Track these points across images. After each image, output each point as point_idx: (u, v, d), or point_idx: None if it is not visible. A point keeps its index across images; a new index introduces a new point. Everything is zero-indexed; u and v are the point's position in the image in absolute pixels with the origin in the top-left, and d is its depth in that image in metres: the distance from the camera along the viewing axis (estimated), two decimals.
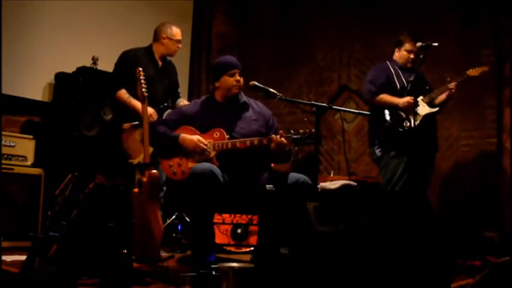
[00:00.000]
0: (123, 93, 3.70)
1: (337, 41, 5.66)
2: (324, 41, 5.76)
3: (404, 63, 4.02)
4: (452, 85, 3.83)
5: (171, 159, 3.04)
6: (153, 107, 3.68)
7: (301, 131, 2.81)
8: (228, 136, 2.96)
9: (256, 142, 2.88)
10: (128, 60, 3.77)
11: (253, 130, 3.05)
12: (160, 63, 3.93)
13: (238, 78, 3.04)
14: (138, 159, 3.64)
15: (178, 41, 3.93)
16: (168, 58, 4.02)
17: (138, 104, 3.60)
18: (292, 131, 4.88)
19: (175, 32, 3.91)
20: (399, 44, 4.06)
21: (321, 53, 5.80)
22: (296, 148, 2.86)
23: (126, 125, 3.68)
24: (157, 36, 3.91)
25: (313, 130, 2.77)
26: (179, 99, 4.02)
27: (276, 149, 2.86)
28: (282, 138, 2.83)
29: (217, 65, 3.12)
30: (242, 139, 2.91)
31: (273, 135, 2.86)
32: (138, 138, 3.69)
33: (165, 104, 3.82)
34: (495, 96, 4.63)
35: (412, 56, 3.98)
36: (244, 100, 3.16)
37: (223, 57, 3.20)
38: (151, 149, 3.52)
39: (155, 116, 3.66)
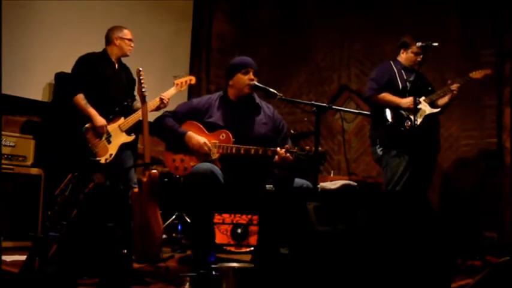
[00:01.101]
0: (81, 99, 3.78)
1: (337, 41, 5.67)
2: (324, 41, 5.77)
3: (411, 65, 4.02)
4: (454, 87, 3.84)
5: (175, 154, 3.05)
6: (113, 105, 3.82)
7: (307, 148, 2.80)
8: (233, 139, 2.96)
9: (260, 152, 2.88)
10: (86, 64, 3.88)
11: (261, 134, 3.05)
12: (117, 65, 4.02)
13: (252, 77, 3.04)
14: (104, 157, 3.73)
15: (130, 40, 4.03)
16: (123, 61, 4.10)
17: (93, 112, 3.75)
18: (292, 131, 4.89)
19: (126, 32, 4.03)
20: (405, 46, 4.05)
21: (321, 53, 5.81)
22: (297, 150, 2.84)
23: (89, 125, 3.73)
24: (109, 39, 4.01)
25: (319, 148, 2.75)
26: (135, 101, 4.07)
27: (279, 162, 2.86)
28: (287, 154, 2.83)
29: (232, 64, 3.13)
30: (247, 146, 2.90)
31: (278, 149, 2.85)
32: (104, 136, 3.77)
33: (125, 103, 3.92)
34: (495, 96, 4.64)
35: (418, 59, 3.97)
36: (257, 102, 3.16)
37: (238, 57, 3.21)
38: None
39: (105, 129, 3.77)
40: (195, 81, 4.07)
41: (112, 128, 3.80)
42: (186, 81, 3.97)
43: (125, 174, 3.81)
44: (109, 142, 3.78)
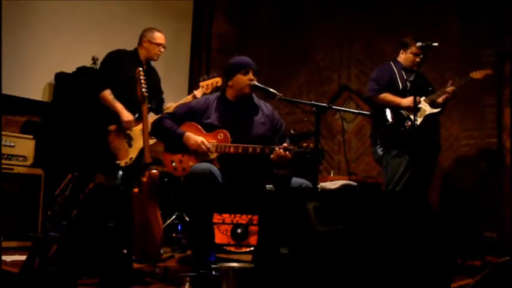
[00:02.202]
0: (108, 94, 3.76)
1: (337, 41, 5.67)
2: (324, 41, 5.77)
3: (410, 65, 4.03)
4: (449, 89, 3.85)
5: (174, 155, 3.05)
6: (133, 106, 3.74)
7: (304, 144, 2.80)
8: (231, 139, 2.96)
9: (258, 150, 2.88)
10: (113, 60, 3.85)
11: (260, 133, 3.05)
12: (144, 66, 3.97)
13: (252, 77, 3.04)
14: (124, 160, 3.70)
15: (159, 45, 3.99)
16: (152, 64, 4.08)
17: (120, 107, 3.72)
18: (292, 131, 4.89)
19: (156, 36, 3.99)
20: (405, 46, 4.06)
21: (321, 53, 5.81)
22: (295, 147, 2.84)
23: (112, 127, 3.71)
24: (140, 40, 4.00)
25: (318, 146, 2.76)
26: (164, 104, 4.05)
27: (277, 160, 2.86)
28: (286, 152, 2.82)
29: (232, 64, 3.12)
30: (245, 145, 2.90)
31: (276, 148, 2.85)
32: (125, 139, 3.73)
33: (149, 106, 3.86)
34: (495, 96, 4.64)
35: (417, 60, 3.98)
36: (255, 102, 3.15)
37: (237, 57, 3.21)
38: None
39: (133, 124, 3.74)
40: (221, 82, 3.94)
41: (134, 131, 3.76)
42: (212, 84, 3.89)
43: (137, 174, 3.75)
44: (130, 145, 3.74)
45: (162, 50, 4.00)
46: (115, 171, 3.62)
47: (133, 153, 3.74)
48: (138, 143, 3.75)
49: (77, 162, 3.78)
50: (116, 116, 3.74)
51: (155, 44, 3.96)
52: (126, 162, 3.69)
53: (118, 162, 3.66)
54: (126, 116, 3.70)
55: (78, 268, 2.60)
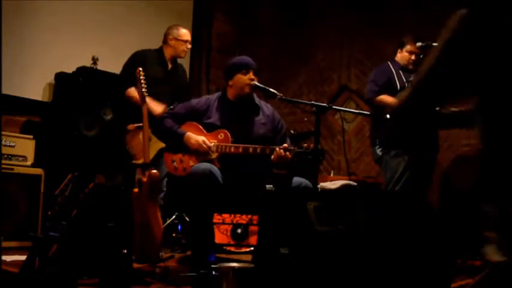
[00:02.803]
0: (133, 91, 3.72)
1: (337, 41, 5.67)
2: (324, 41, 5.77)
3: (406, 64, 4.04)
4: None
5: (174, 154, 3.05)
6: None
7: (305, 145, 2.81)
8: (232, 139, 2.96)
9: (259, 150, 2.88)
10: (136, 60, 3.83)
11: (260, 134, 3.05)
12: (170, 65, 3.95)
13: (252, 77, 3.04)
14: (141, 160, 3.66)
15: (186, 41, 3.98)
16: (179, 61, 4.05)
17: (149, 100, 3.63)
18: (292, 131, 4.89)
19: (182, 32, 3.97)
20: (401, 46, 4.07)
21: (321, 53, 5.81)
22: (295, 147, 2.85)
23: (131, 126, 3.69)
24: (165, 39, 3.98)
25: (318, 146, 2.77)
26: None
27: (277, 161, 2.86)
28: (286, 152, 2.83)
29: (232, 64, 3.12)
30: (245, 145, 2.90)
31: (277, 148, 2.85)
32: (142, 139, 3.70)
33: (171, 107, 3.84)
34: None
35: (413, 58, 4.00)
36: (256, 102, 3.15)
37: (238, 57, 3.22)
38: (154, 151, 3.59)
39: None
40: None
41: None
42: None
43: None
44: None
45: (188, 46, 3.98)
46: (129, 171, 3.60)
47: (151, 153, 3.71)
48: (156, 144, 3.71)
49: (78, 162, 3.77)
50: (135, 116, 3.68)
51: (182, 41, 3.95)
52: (143, 162, 3.67)
53: (135, 161, 3.64)
54: (156, 108, 3.64)
55: (78, 268, 2.60)
